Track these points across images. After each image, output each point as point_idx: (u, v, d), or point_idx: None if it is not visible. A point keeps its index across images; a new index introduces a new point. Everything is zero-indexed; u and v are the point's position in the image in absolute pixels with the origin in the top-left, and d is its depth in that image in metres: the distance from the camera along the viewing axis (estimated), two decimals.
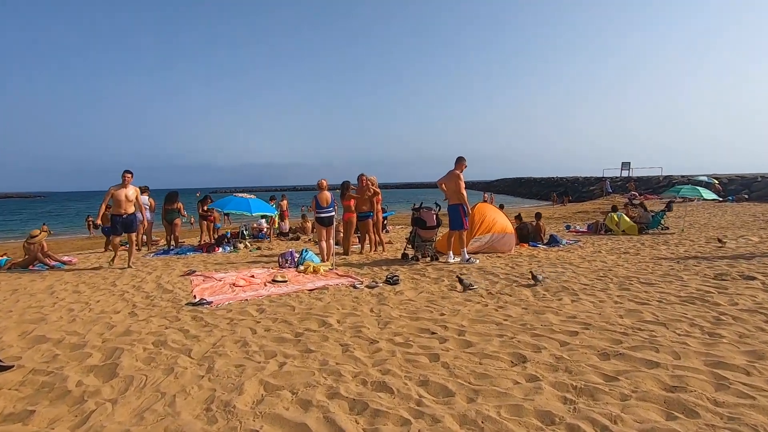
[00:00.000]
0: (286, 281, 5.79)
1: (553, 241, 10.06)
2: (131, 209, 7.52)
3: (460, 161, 7.39)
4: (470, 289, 4.92)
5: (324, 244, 7.76)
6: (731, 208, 19.62)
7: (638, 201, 25.63)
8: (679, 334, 3.19)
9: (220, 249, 10.37)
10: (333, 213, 7.86)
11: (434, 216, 7.50)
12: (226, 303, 4.68)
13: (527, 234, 10.56)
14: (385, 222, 16.43)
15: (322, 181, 7.92)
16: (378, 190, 9.10)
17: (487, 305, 4.18)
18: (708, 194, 12.13)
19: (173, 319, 4.02)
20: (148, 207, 11.22)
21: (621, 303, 4.12)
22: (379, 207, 9.27)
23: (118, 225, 7.47)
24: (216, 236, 11.86)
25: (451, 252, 7.34)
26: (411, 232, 7.73)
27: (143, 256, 9.57)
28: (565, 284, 4.99)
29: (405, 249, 7.96)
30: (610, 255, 7.57)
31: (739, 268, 5.68)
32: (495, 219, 8.54)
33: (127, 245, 7.96)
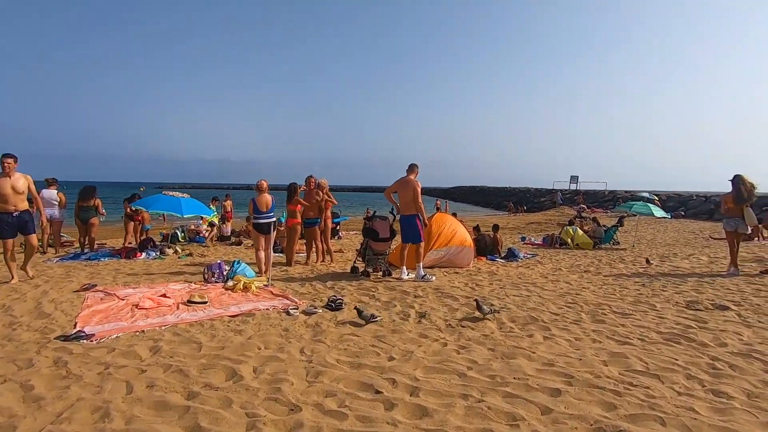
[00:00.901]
0: (205, 302, 4.74)
1: (511, 255, 9.62)
2: (23, 205, 6.04)
3: (414, 168, 6.69)
4: (422, 318, 4.16)
5: (261, 254, 6.74)
6: (671, 225, 20.52)
7: (587, 214, 26.46)
8: (679, 393, 2.58)
9: (143, 255, 9.00)
10: (273, 219, 6.87)
11: (389, 226, 6.72)
12: (114, 336, 3.60)
13: (485, 246, 10.07)
14: (338, 228, 15.51)
15: (262, 182, 6.90)
16: (329, 194, 8.20)
17: (446, 344, 3.42)
18: (658, 212, 12.30)
19: (23, 365, 2.92)
20: (56, 203, 9.60)
21: (600, 342, 3.51)
22: (329, 213, 8.38)
23: (4, 225, 5.93)
24: (142, 239, 10.42)
25: (404, 267, 6.58)
26: (362, 244, 6.90)
27: (43, 261, 8.04)
28: (533, 313, 4.35)
29: (355, 262, 7.11)
30: (572, 273, 7.14)
31: (707, 293, 5.35)
32: (454, 231, 7.90)
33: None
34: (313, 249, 8.20)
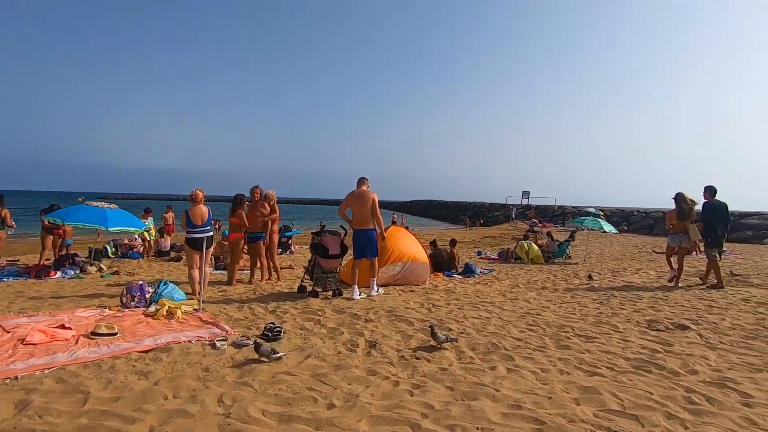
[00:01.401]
0: (114, 334, 3.95)
1: (468, 271, 9.36)
2: None
3: (365, 181, 6.33)
4: (371, 348, 3.65)
5: (195, 273, 5.96)
6: (616, 239, 21.42)
7: (538, 228, 27.21)
8: None
9: (58, 273, 7.85)
10: (210, 233, 6.13)
11: (339, 242, 6.18)
12: None
13: (442, 262, 9.76)
14: (290, 242, 14.71)
15: (197, 191, 6.15)
16: (275, 206, 7.55)
17: (398, 383, 2.91)
18: (607, 227, 12.61)
19: None
20: None
21: (568, 373, 3.15)
22: (275, 227, 7.71)
23: None
24: (60, 255, 9.18)
25: (356, 286, 6.07)
26: (310, 261, 6.30)
27: None
28: (494, 339, 3.96)
29: (302, 281, 6.49)
30: (530, 290, 6.92)
31: (663, 311, 5.24)
32: (407, 245, 7.49)
33: None
34: (258, 266, 7.48)
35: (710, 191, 7.28)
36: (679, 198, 7.21)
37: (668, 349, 3.76)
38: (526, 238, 12.80)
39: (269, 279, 7.61)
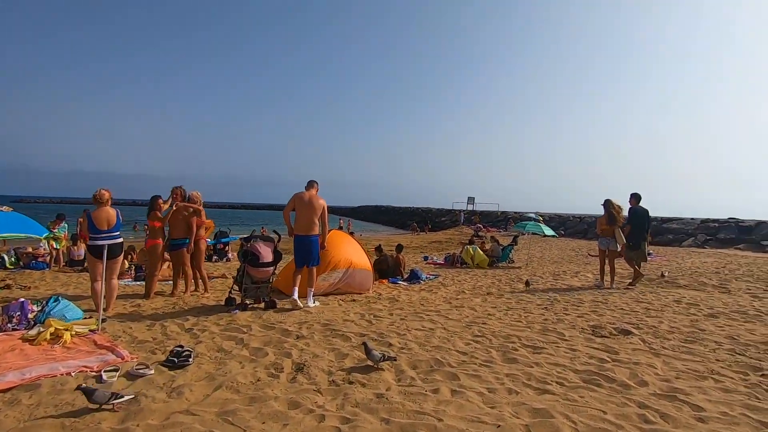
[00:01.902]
0: None
1: (414, 277, 9.07)
2: None
3: (315, 184, 5.93)
4: (298, 372, 3.14)
5: (98, 286, 5.07)
6: (555, 243, 22.33)
7: (483, 233, 27.87)
8: None
9: None
10: (119, 240, 5.29)
11: (272, 248, 5.58)
12: None
13: (387, 268, 9.39)
14: (227, 249, 13.69)
15: (102, 191, 5.26)
16: (201, 209, 6.77)
17: (324, 417, 2.43)
18: (548, 231, 12.94)
19: None
20: None
21: (517, 392, 2.84)
22: (202, 233, 6.92)
23: None
24: None
25: (296, 291, 5.59)
26: (239, 270, 5.64)
27: None
28: (438, 354, 3.59)
29: (230, 292, 5.80)
30: (476, 297, 6.71)
31: (605, 315, 5.19)
32: (349, 251, 7.02)
33: None
34: (182, 276, 6.66)
35: (635, 198, 7.75)
36: (608, 204, 7.61)
37: (615, 357, 3.60)
38: (471, 242, 12.81)
39: (195, 291, 6.80)
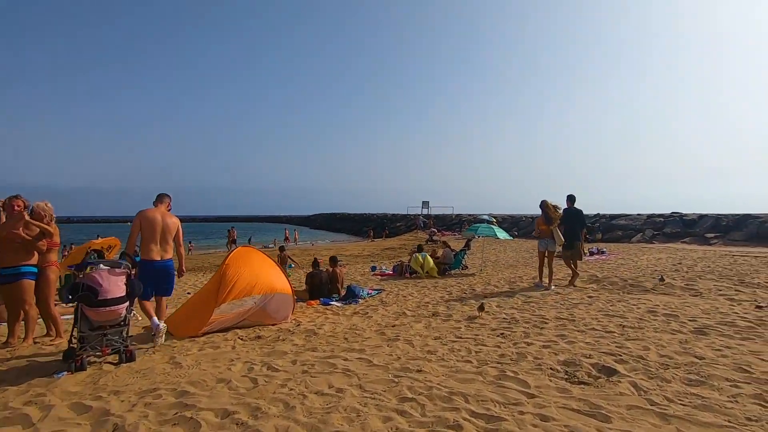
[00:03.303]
0: None
1: (351, 296, 7.66)
2: None
3: (164, 198, 4.85)
4: None
5: None
6: (509, 244, 21.76)
7: (437, 237, 27.00)
8: None
9: None
10: None
11: (123, 279, 3.94)
12: None
13: (320, 285, 7.94)
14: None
15: None
16: (51, 228, 4.98)
17: None
18: (502, 233, 12.01)
19: None
20: None
21: None
22: (53, 258, 5.12)
23: None
24: None
25: (160, 330, 4.11)
26: (75, 311, 3.96)
27: None
28: None
29: (70, 341, 4.09)
30: (418, 321, 5.38)
31: (578, 343, 4.02)
32: (261, 272, 5.50)
33: None
34: (21, 318, 4.84)
35: (570, 199, 7.98)
36: (543, 205, 7.74)
37: (604, 424, 2.37)
38: (420, 249, 11.60)
39: (38, 339, 4.99)
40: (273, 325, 5.46)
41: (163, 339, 4.56)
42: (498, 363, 3.51)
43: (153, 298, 4.80)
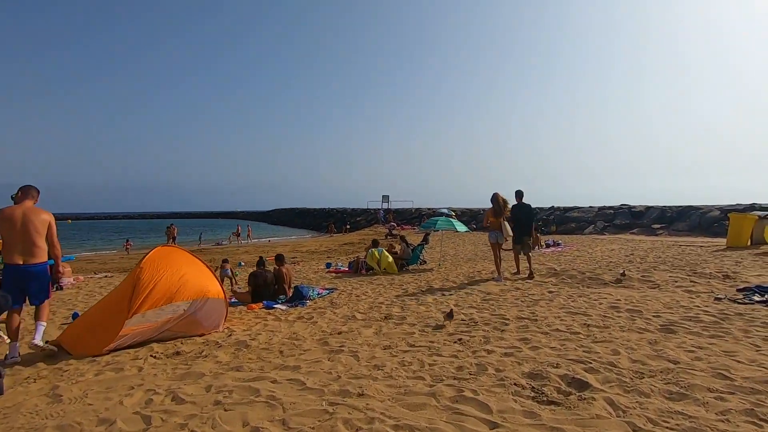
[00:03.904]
0: None
1: (298, 297, 6.96)
2: None
3: (30, 191, 4.04)
4: None
5: None
6: (468, 238, 21.72)
7: (397, 231, 26.64)
8: None
9: None
10: None
11: None
12: None
13: (264, 285, 7.18)
14: (59, 278, 10.29)
15: None
16: None
17: None
18: (461, 227, 11.67)
19: None
20: None
21: None
22: None
23: None
24: None
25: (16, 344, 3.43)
26: None
27: None
28: None
29: None
30: (367, 326, 4.80)
31: (543, 349, 3.58)
32: (184, 277, 4.70)
33: None
34: None
35: (518, 195, 8.16)
36: (494, 197, 7.87)
37: None
38: (375, 245, 11.04)
39: None
40: (201, 335, 4.70)
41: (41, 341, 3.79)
42: (455, 378, 2.98)
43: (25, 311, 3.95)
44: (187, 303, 4.64)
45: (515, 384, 2.82)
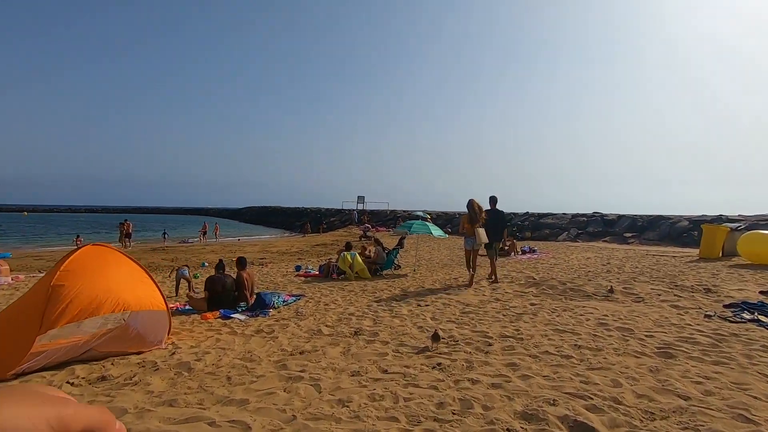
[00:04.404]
0: None
1: (260, 305, 6.31)
2: None
3: None
4: None
5: None
6: (443, 242, 21.39)
7: (371, 233, 26.10)
8: None
9: None
10: None
11: None
12: None
13: (223, 292, 6.50)
14: None
15: None
16: None
17: None
18: (436, 231, 11.25)
19: None
20: None
21: None
22: None
23: None
24: None
25: None
26: None
27: None
28: None
29: None
30: (335, 344, 4.23)
31: (535, 378, 3.12)
32: (113, 285, 3.99)
33: None
34: None
35: (492, 200, 8.23)
36: (470, 204, 7.71)
37: None
38: (348, 248, 10.47)
39: None
40: (138, 353, 4.02)
41: None
42: (435, 420, 2.47)
43: None
44: (118, 315, 3.95)
45: (508, 429, 2.33)
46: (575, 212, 23.95)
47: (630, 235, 18.74)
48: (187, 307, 6.43)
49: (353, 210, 41.53)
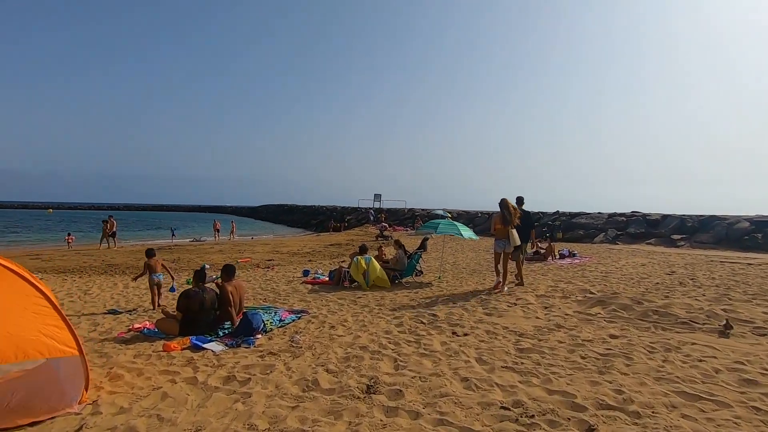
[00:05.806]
0: None
1: (245, 329, 4.82)
2: None
3: None
4: None
5: None
6: (466, 243, 19.73)
7: (388, 233, 24.56)
8: None
9: None
10: None
11: None
12: None
13: (201, 310, 5.06)
14: None
15: None
16: None
17: None
18: (466, 232, 9.62)
19: None
20: None
21: None
22: None
23: None
24: None
25: None
26: None
27: None
28: None
29: None
30: (335, 416, 2.71)
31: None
32: (17, 322, 2.55)
33: None
34: None
35: (519, 201, 7.71)
36: (502, 203, 7.21)
37: None
38: (363, 251, 8.94)
39: None
40: (32, 425, 2.58)
41: None
42: None
43: None
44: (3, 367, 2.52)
45: None
46: (612, 212, 21.90)
47: (679, 237, 16.69)
48: (153, 329, 5.01)
49: (369, 209, 40.10)
